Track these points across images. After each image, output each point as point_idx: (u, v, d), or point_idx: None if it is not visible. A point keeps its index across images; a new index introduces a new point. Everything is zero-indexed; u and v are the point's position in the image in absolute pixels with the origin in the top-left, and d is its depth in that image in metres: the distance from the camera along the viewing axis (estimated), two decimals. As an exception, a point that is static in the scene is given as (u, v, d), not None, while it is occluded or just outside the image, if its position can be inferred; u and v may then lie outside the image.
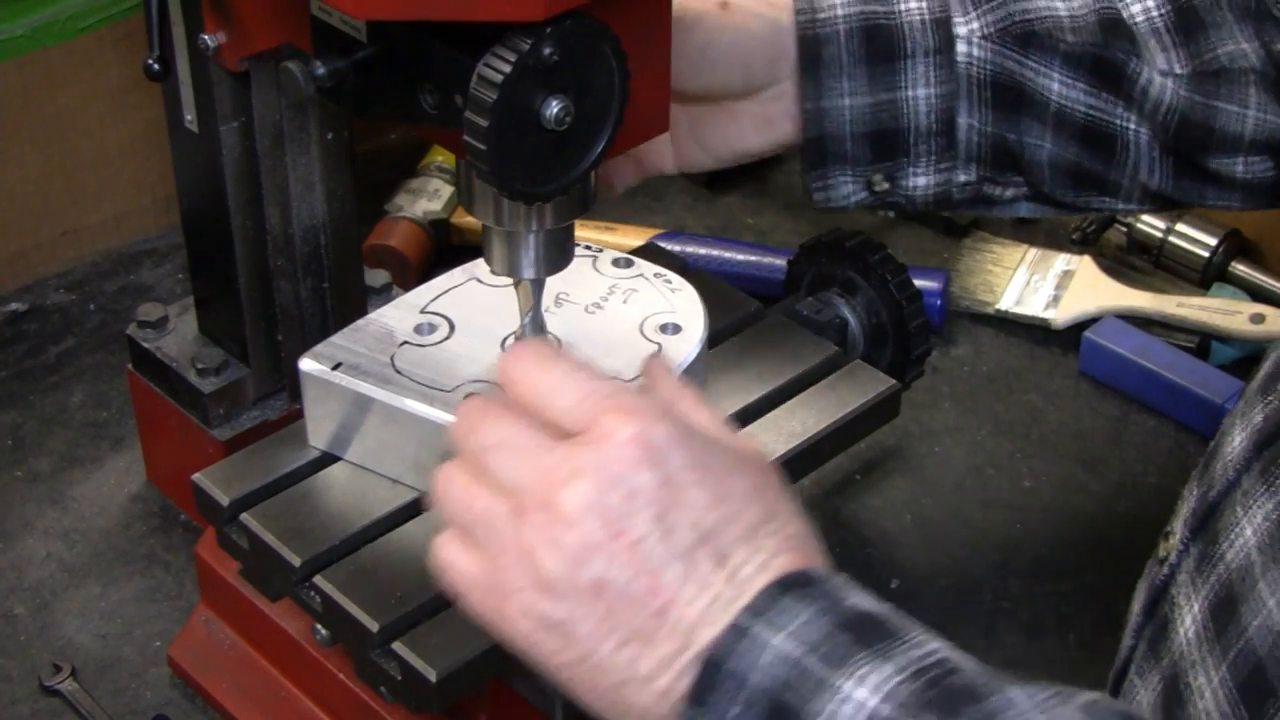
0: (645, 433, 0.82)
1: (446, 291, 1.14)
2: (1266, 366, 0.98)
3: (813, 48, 1.12)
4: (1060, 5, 1.15)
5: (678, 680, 0.80)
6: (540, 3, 0.86)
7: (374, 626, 0.98)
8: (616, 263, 1.16)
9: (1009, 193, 1.19)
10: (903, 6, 1.12)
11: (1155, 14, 1.14)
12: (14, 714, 1.19)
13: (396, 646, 0.98)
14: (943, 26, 1.12)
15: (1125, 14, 1.14)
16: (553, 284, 1.11)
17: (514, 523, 0.82)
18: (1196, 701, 0.86)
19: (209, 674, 1.20)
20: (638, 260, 1.17)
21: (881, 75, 1.13)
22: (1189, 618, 0.92)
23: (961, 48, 1.13)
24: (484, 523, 0.84)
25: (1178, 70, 1.14)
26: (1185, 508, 0.99)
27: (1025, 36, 1.13)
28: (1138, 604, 1.02)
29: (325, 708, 1.15)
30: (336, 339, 1.09)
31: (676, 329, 1.10)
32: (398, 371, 1.06)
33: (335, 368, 1.06)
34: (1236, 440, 0.94)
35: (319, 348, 1.08)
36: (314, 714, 1.15)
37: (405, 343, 1.09)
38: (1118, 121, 1.16)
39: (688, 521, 0.81)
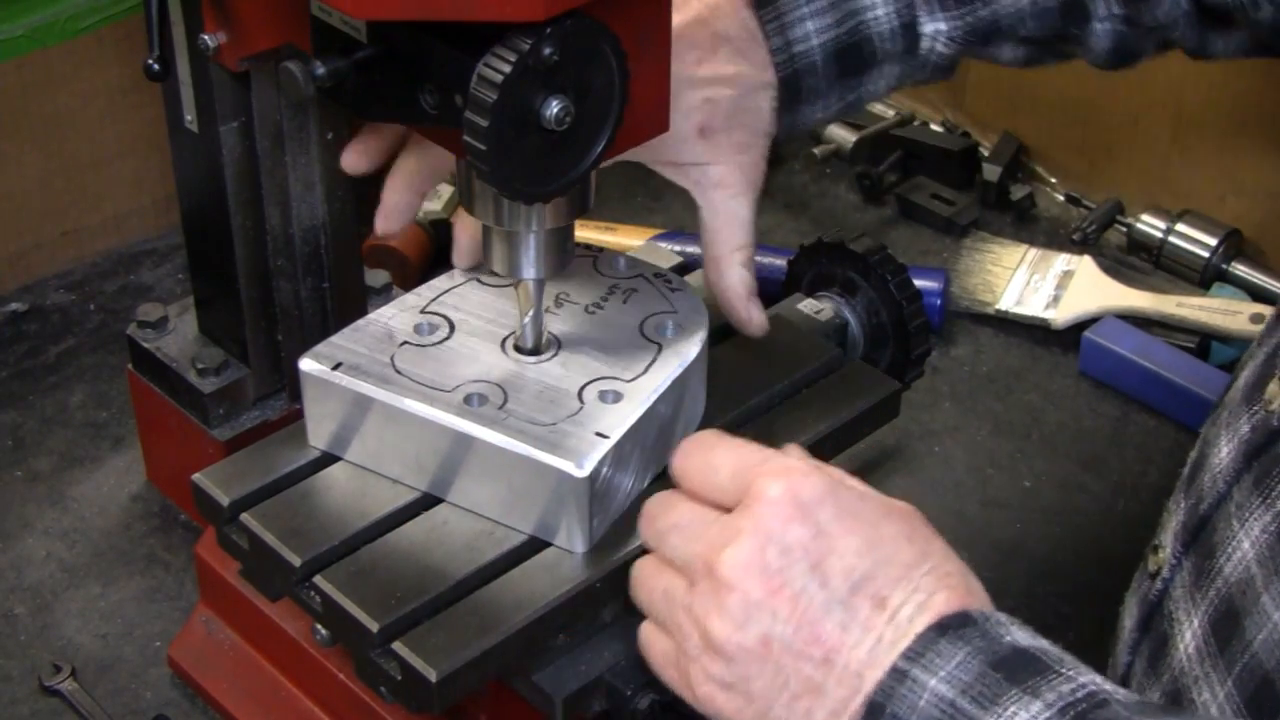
0: (794, 489, 0.86)
1: (447, 291, 1.14)
2: (1246, 375, 0.97)
3: (793, 85, 1.12)
4: None
5: None
6: (540, 3, 0.86)
7: (374, 626, 0.98)
8: (616, 263, 1.16)
9: None
10: (870, 15, 1.13)
11: None
12: (14, 714, 1.19)
13: (396, 646, 0.98)
14: (909, 30, 1.14)
15: None
16: (553, 284, 1.12)
17: (687, 595, 0.88)
18: (1202, 716, 0.86)
19: (209, 674, 1.20)
20: (638, 260, 1.17)
21: (852, 84, 1.15)
22: (1188, 633, 0.92)
23: (925, 44, 1.14)
24: (666, 601, 0.90)
25: (1116, 10, 1.17)
26: (1174, 521, 0.99)
27: (989, 34, 1.15)
28: (1130, 619, 1.02)
29: (325, 708, 1.15)
30: (336, 339, 1.09)
31: (677, 329, 1.10)
32: (398, 372, 1.06)
33: (335, 368, 1.06)
34: (1224, 451, 0.94)
35: (319, 348, 1.08)
36: (314, 714, 1.15)
37: (405, 343, 1.09)
38: (1056, 58, 1.21)
39: (842, 569, 0.85)
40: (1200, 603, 0.91)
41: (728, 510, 0.89)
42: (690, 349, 1.09)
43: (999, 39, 1.16)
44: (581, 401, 1.05)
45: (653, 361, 1.08)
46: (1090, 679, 0.82)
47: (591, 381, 1.06)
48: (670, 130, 1.03)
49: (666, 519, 0.92)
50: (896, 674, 0.82)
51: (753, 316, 1.13)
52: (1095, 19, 1.17)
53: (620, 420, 1.03)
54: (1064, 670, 0.82)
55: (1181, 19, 1.18)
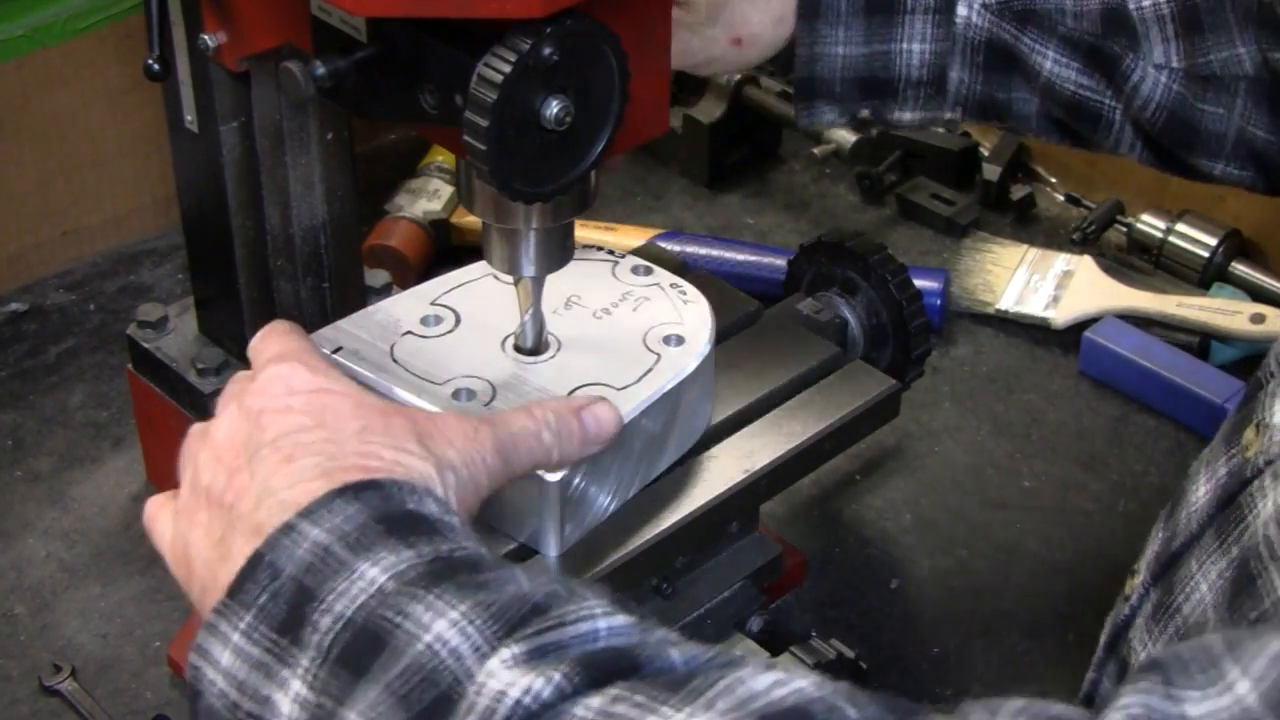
0: (285, 369, 0.91)
1: (460, 285, 1.14)
2: (1231, 414, 0.96)
3: None
4: None
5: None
6: (539, 1, 0.86)
7: (374, 626, 0.98)
8: (635, 270, 1.16)
9: (996, 125, 1.21)
10: None
11: (1162, 1, 1.13)
12: (14, 714, 1.19)
13: (396, 646, 0.98)
14: None
15: (1132, 1, 1.14)
16: (567, 287, 1.12)
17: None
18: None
19: (209, 674, 1.20)
20: (656, 269, 1.16)
21: (878, 27, 1.13)
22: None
23: (962, 10, 1.13)
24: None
25: (1174, 64, 1.13)
26: (1150, 550, 0.98)
27: (1025, 14, 1.13)
28: (1103, 636, 1.01)
29: (325, 708, 1.15)
30: (344, 323, 1.09)
31: (680, 341, 1.10)
32: (394, 360, 1.07)
33: (335, 351, 1.07)
34: (1201, 490, 0.93)
35: (325, 330, 1.08)
36: (314, 714, 1.15)
37: (408, 333, 1.09)
38: (1105, 105, 1.16)
39: (281, 428, 0.87)
40: (1159, 637, 0.91)
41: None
42: (688, 363, 1.08)
43: (1038, 25, 1.13)
44: None
45: (647, 372, 1.07)
46: (473, 546, 0.82)
47: (581, 386, 1.06)
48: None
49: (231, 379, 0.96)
50: (285, 528, 0.82)
51: None
52: (1150, 60, 1.13)
53: None
54: (449, 536, 0.82)
55: (1244, 86, 1.13)
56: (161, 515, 0.94)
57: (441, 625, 0.74)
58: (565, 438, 0.96)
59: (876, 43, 1.13)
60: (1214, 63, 1.13)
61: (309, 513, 0.82)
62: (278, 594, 0.79)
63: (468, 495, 0.90)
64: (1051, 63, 1.15)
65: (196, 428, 0.94)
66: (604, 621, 0.75)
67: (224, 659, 0.79)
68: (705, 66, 1.19)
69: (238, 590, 0.80)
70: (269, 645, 0.78)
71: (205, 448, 0.90)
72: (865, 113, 1.19)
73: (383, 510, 0.81)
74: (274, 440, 0.87)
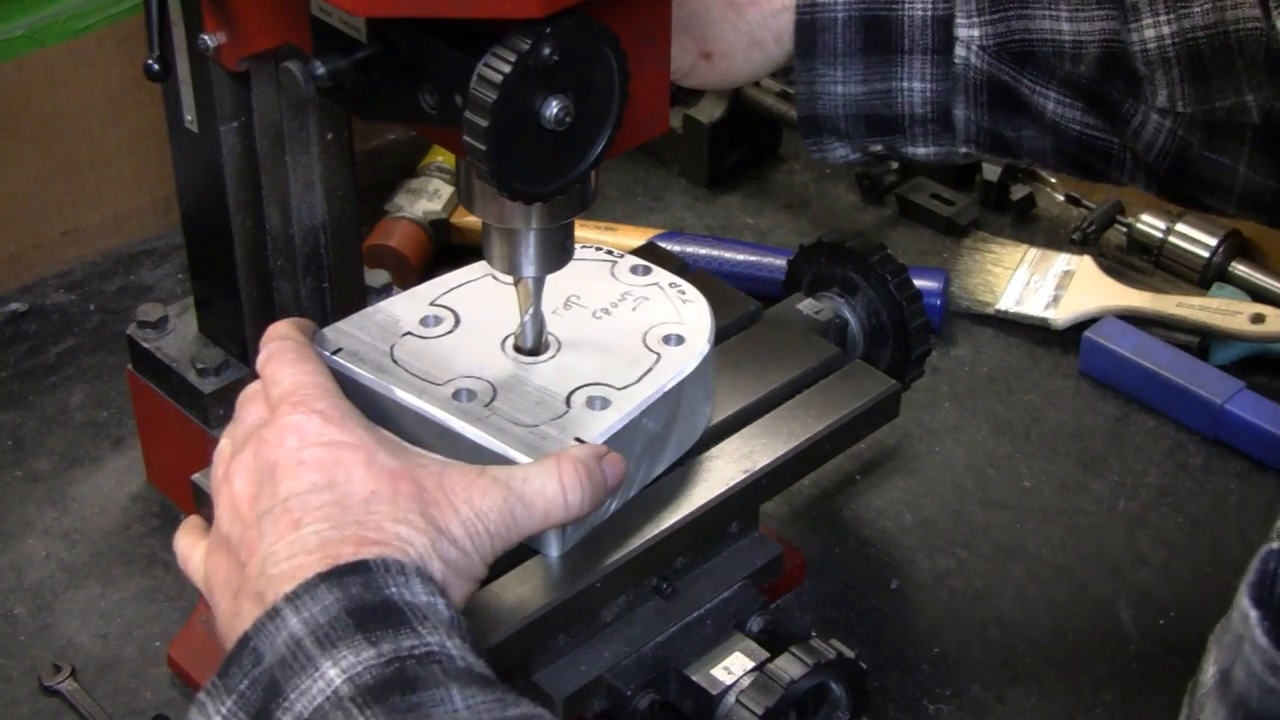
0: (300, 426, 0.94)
1: (460, 286, 1.14)
2: (1236, 600, 0.94)
3: (809, 34, 1.11)
4: (1066, 27, 1.13)
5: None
6: (538, 1, 0.86)
7: (374, 626, 0.98)
8: (634, 270, 1.16)
9: (1013, 161, 1.21)
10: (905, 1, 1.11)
11: (1168, 44, 1.11)
12: (14, 714, 1.19)
13: (396, 646, 0.98)
14: (944, 26, 1.11)
15: (1136, 37, 1.11)
16: (566, 287, 1.12)
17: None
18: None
19: (209, 674, 1.19)
20: (655, 269, 1.16)
21: (877, 66, 1.12)
22: None
23: (960, 51, 1.12)
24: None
25: (1180, 108, 1.12)
26: None
27: (1023, 56, 1.12)
28: None
29: (325, 708, 1.15)
30: (344, 324, 1.09)
31: (680, 340, 1.10)
32: (394, 361, 1.07)
33: (335, 353, 1.07)
34: (1210, 670, 0.91)
35: (326, 330, 1.09)
36: (314, 714, 1.15)
37: (408, 333, 1.09)
38: (1114, 145, 1.15)
39: (291, 488, 0.90)
40: None
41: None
42: (688, 362, 1.08)
43: (1036, 68, 1.12)
44: (568, 405, 1.04)
45: (648, 372, 1.07)
46: (438, 640, 0.84)
47: (582, 386, 1.06)
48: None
49: (245, 395, 1.01)
50: (272, 612, 0.84)
51: None
52: (1152, 105, 1.11)
53: (602, 427, 1.03)
54: (418, 628, 0.84)
55: (1249, 135, 1.10)
56: (193, 555, 0.97)
57: None
58: (595, 490, 0.98)
59: (876, 81, 1.13)
60: (1219, 111, 1.11)
61: (294, 597, 0.85)
62: (256, 681, 0.83)
63: (471, 565, 0.92)
64: (1054, 103, 1.14)
65: (220, 459, 0.97)
66: None
67: None
68: (684, 78, 1.19)
69: (224, 673, 0.84)
70: None
71: (225, 494, 0.93)
72: (878, 147, 1.19)
73: (359, 600, 0.84)
74: (285, 500, 0.89)
